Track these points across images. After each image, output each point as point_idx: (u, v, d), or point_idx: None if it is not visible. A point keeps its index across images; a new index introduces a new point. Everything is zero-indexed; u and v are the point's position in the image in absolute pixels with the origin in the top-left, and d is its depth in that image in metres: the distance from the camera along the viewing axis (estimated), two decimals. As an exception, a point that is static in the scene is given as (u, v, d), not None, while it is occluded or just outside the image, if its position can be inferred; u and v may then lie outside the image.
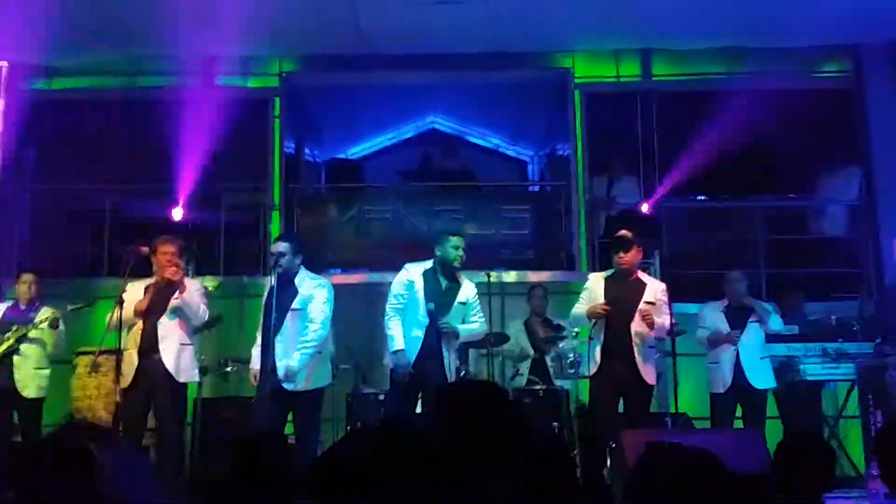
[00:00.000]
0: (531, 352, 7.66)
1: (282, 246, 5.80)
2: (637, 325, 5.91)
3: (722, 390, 6.64)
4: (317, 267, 8.68)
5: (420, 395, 6.03)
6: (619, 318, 5.90)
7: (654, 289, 6.03)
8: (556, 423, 6.72)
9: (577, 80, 9.27)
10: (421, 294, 5.94)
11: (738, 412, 6.68)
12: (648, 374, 5.90)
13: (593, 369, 5.94)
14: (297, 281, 5.81)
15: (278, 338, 5.64)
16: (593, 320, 5.94)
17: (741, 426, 6.62)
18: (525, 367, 7.63)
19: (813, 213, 9.14)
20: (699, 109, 9.02)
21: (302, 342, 5.68)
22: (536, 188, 11.19)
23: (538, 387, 7.12)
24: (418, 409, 6.25)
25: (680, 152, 8.98)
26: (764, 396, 6.66)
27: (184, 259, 5.96)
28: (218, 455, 6.61)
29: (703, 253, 8.78)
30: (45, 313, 6.58)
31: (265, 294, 5.88)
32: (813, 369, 6.85)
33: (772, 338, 6.80)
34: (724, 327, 6.75)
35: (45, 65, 8.98)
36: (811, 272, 8.71)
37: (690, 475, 2.14)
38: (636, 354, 5.84)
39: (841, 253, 8.87)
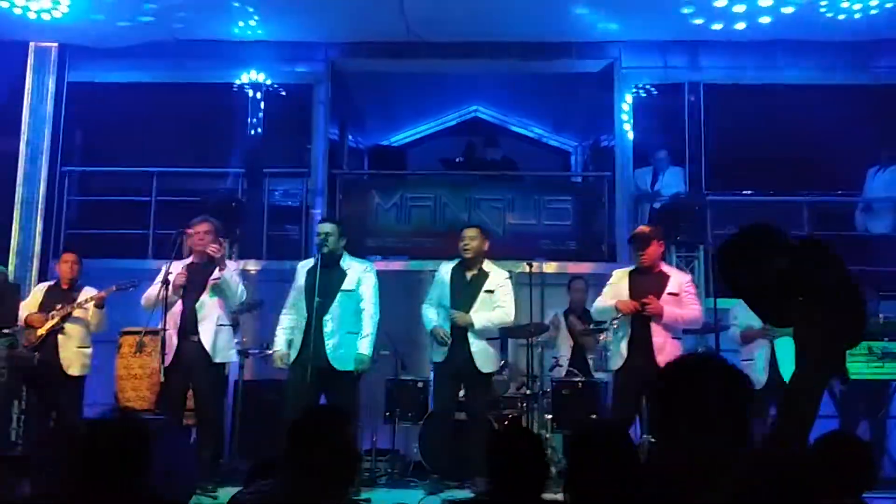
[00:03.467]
0: (569, 343, 7.64)
1: (328, 227, 5.91)
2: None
3: (758, 388, 6.56)
4: (358, 253, 8.79)
5: (462, 383, 6.27)
6: (642, 312, 5.85)
7: (679, 280, 5.99)
8: (593, 416, 6.70)
9: (623, 71, 9.18)
10: (447, 289, 6.17)
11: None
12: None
13: (619, 363, 5.90)
14: (342, 263, 5.88)
15: (326, 318, 5.71)
16: (619, 315, 5.90)
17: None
18: (565, 358, 7.61)
19: (861, 210, 8.97)
20: (746, 102, 8.91)
21: (366, 328, 5.89)
22: (579, 179, 11.12)
23: (577, 378, 7.10)
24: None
25: (726, 145, 8.89)
26: None
27: (217, 239, 6.00)
28: (259, 437, 6.68)
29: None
30: (87, 293, 6.68)
31: (303, 275, 5.91)
32: (858, 367, 6.73)
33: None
34: (756, 323, 6.68)
35: (94, 49, 9.08)
36: (858, 269, 8.55)
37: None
38: (655, 347, 5.77)
39: (888, 251, 8.70)
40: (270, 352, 6.01)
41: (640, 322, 5.83)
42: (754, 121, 8.83)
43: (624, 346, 5.87)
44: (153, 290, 5.92)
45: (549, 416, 6.97)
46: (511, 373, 7.49)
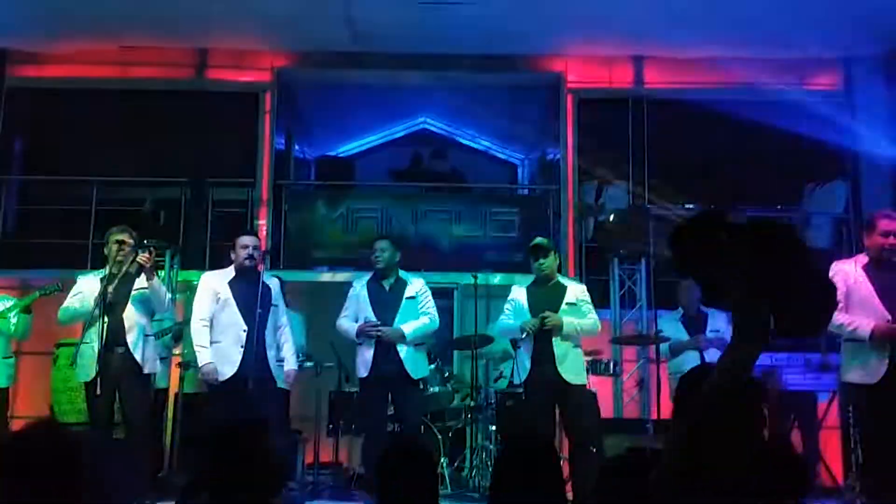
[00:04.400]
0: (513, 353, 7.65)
1: (254, 240, 5.95)
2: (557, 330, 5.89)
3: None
4: (304, 264, 8.76)
5: (389, 395, 6.17)
6: (542, 328, 5.84)
7: (575, 290, 6.04)
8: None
9: (569, 85, 9.28)
10: (367, 303, 6.11)
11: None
12: (575, 376, 5.85)
13: (523, 376, 5.89)
14: (265, 278, 5.87)
15: (267, 331, 5.79)
16: (524, 335, 5.92)
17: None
18: (508, 369, 7.62)
19: (800, 225, 9.16)
20: (690, 117, 9.05)
21: (293, 342, 6.05)
22: (526, 191, 11.20)
23: (521, 390, 7.11)
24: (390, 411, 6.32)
25: (669, 159, 9.02)
26: None
27: (150, 248, 5.87)
28: (198, 449, 6.57)
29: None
30: (5, 303, 6.54)
31: (226, 287, 5.85)
32: (794, 379, 6.86)
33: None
34: (683, 336, 6.83)
35: (35, 52, 8.92)
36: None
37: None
38: (556, 357, 5.79)
39: (826, 266, 8.87)
40: (200, 366, 5.84)
41: (541, 335, 5.84)
42: (696, 136, 8.99)
43: (527, 358, 5.88)
44: (71, 303, 5.74)
45: (493, 428, 6.99)
46: (455, 384, 7.48)
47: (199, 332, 5.80)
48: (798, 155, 8.86)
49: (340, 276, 8.40)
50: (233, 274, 5.87)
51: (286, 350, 5.91)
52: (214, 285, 5.85)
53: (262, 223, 8.88)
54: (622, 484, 2.41)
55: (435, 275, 7.54)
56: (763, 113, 8.70)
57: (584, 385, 6.00)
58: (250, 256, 5.77)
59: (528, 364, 5.87)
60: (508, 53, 9.14)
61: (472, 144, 11.50)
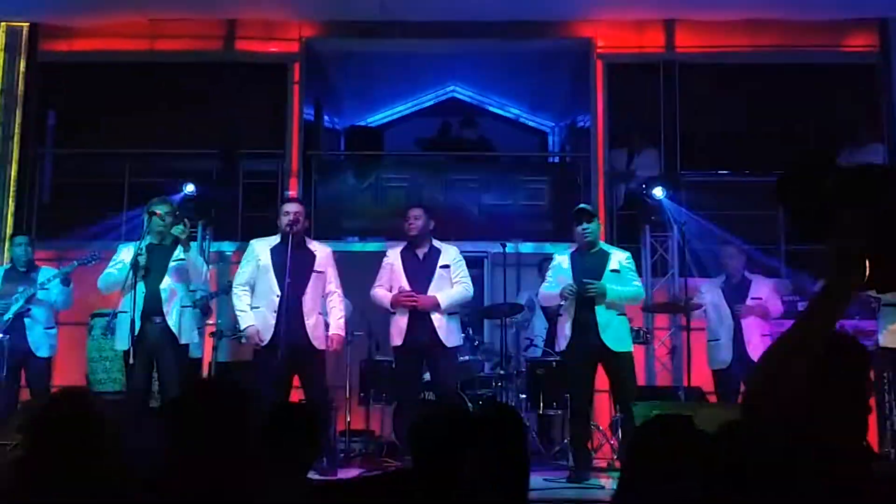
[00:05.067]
0: (545, 323, 7.65)
1: (297, 207, 5.93)
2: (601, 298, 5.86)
3: (724, 367, 6.64)
4: (334, 234, 8.79)
5: (424, 362, 6.19)
6: (585, 294, 5.84)
7: (618, 257, 6.01)
8: (567, 395, 6.73)
9: (599, 50, 9.16)
10: (401, 272, 6.08)
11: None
12: (617, 343, 5.84)
13: (563, 343, 5.91)
14: (308, 245, 5.96)
15: (305, 297, 5.78)
16: (563, 302, 5.91)
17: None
18: (540, 339, 7.62)
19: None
20: (722, 82, 8.92)
21: (340, 310, 5.98)
22: (555, 159, 11.13)
23: (551, 358, 7.12)
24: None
25: (702, 125, 8.90)
26: None
27: (185, 220, 5.95)
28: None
29: (725, 227, 8.69)
30: (47, 273, 6.65)
31: (266, 254, 5.89)
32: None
33: (788, 315, 6.77)
34: (721, 302, 6.76)
35: (66, 27, 8.98)
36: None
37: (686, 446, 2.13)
38: (599, 325, 5.78)
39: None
40: (242, 329, 5.90)
41: (583, 302, 5.83)
42: (730, 100, 8.86)
43: (567, 327, 5.88)
44: (109, 272, 5.87)
45: (524, 396, 7.01)
46: (485, 353, 7.50)
47: (238, 297, 5.90)
48: (834, 118, 8.70)
49: (370, 246, 8.43)
50: (277, 240, 5.91)
51: (332, 316, 5.91)
52: (258, 251, 5.92)
53: (292, 193, 8.90)
54: (652, 449, 2.38)
55: (464, 244, 7.53)
56: (798, 76, 8.56)
57: (630, 352, 5.97)
58: (291, 223, 5.79)
59: (568, 332, 5.87)
60: (537, 19, 9.03)
61: (502, 112, 11.42)
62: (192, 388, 2.76)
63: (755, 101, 8.72)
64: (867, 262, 1.66)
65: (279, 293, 5.71)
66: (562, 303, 5.91)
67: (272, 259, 5.82)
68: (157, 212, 5.87)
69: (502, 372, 6.94)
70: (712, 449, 2.03)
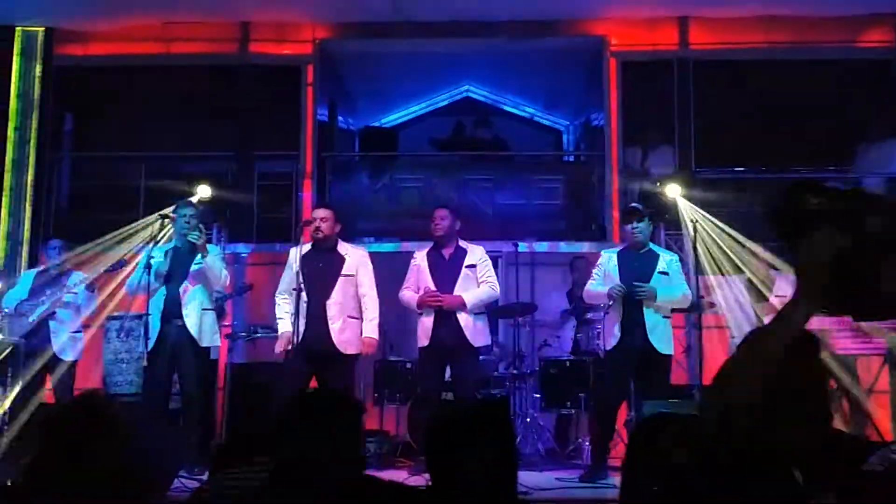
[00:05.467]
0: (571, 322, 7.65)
1: (323, 212, 5.88)
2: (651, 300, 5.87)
3: None
4: (348, 235, 8.82)
5: (448, 362, 6.21)
6: (635, 296, 5.85)
7: (668, 259, 6.02)
8: (582, 395, 6.73)
9: (612, 48, 9.13)
10: (426, 273, 6.10)
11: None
12: (663, 345, 5.85)
13: (612, 343, 5.92)
14: (339, 249, 5.89)
15: (329, 302, 5.77)
16: (611, 302, 5.91)
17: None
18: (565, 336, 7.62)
19: (851, 186, 8.94)
20: (736, 79, 8.87)
21: (371, 312, 5.89)
22: (570, 158, 11.10)
23: (564, 358, 7.12)
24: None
25: (716, 122, 8.85)
26: None
27: (200, 224, 6.01)
28: (248, 419, 6.71)
29: (740, 224, 8.65)
30: (77, 277, 6.71)
31: (299, 260, 5.90)
32: (843, 344, 6.74)
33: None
34: (743, 299, 6.73)
35: (81, 31, 9.05)
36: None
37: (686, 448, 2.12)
38: (647, 326, 5.80)
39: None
40: (277, 333, 5.94)
41: (631, 302, 5.83)
42: (744, 97, 8.80)
43: (616, 327, 5.88)
44: (134, 275, 5.95)
45: (538, 396, 7.01)
46: (500, 352, 7.50)
47: (278, 304, 5.97)
48: (850, 114, 8.63)
49: (386, 247, 8.45)
50: (309, 247, 5.95)
51: (364, 319, 5.88)
52: (293, 258, 5.97)
53: (307, 195, 8.95)
54: (648, 448, 2.37)
55: (479, 243, 7.55)
56: (813, 72, 8.50)
57: (671, 355, 6.00)
58: (317, 229, 5.83)
59: (617, 332, 5.88)
60: (550, 18, 9.01)
61: (516, 111, 11.41)
62: (304, 402, 2.75)
63: (769, 98, 8.66)
64: (829, 286, 1.68)
65: (307, 299, 5.76)
66: (610, 303, 5.89)
67: (302, 266, 5.86)
68: (183, 214, 5.95)
69: (515, 371, 6.94)
70: (711, 448, 2.04)
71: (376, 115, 11.17)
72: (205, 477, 5.35)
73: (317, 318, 5.74)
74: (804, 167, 8.73)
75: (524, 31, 9.10)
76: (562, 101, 11.01)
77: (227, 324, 7.58)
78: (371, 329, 5.87)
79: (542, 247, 8.54)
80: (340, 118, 10.38)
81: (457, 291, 6.03)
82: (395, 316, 7.63)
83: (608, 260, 6.08)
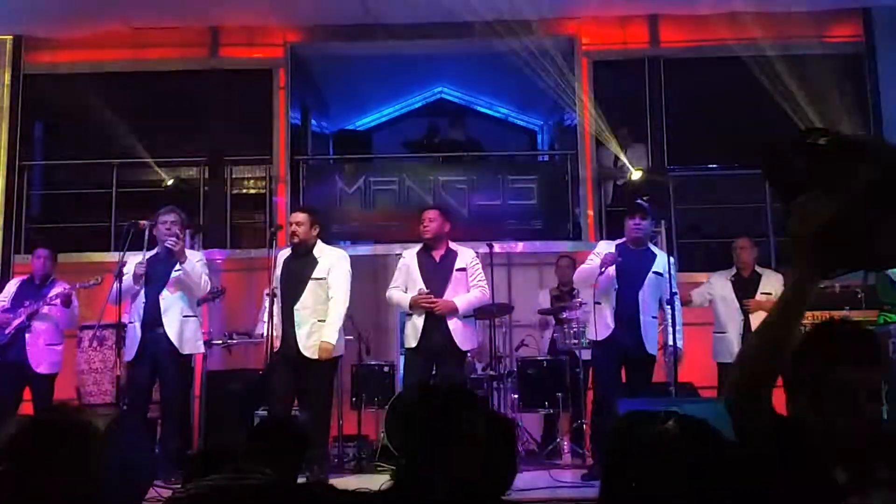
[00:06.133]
0: (552, 321, 7.65)
1: (299, 217, 5.85)
2: (645, 295, 5.90)
3: (730, 360, 6.61)
4: (323, 239, 8.78)
5: (435, 365, 6.14)
6: (628, 286, 5.89)
7: (663, 260, 6.03)
8: (560, 394, 6.74)
9: (584, 48, 9.16)
10: (417, 274, 6.06)
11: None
12: (651, 344, 5.89)
13: (605, 334, 5.91)
14: (315, 252, 5.86)
15: (297, 307, 5.72)
16: (604, 269, 5.88)
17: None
18: (546, 337, 7.61)
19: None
20: (708, 76, 8.93)
21: (331, 315, 5.77)
22: (544, 158, 11.13)
23: (542, 357, 7.13)
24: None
25: (689, 119, 8.90)
26: None
27: (183, 230, 5.98)
28: (224, 427, 6.67)
29: (712, 221, 8.72)
30: (58, 289, 6.61)
31: (280, 264, 5.89)
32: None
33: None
34: (730, 295, 6.73)
35: (51, 38, 8.97)
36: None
37: (671, 443, 2.12)
38: (641, 324, 5.83)
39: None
40: (235, 341, 5.94)
41: (625, 296, 5.86)
42: (715, 94, 8.86)
43: (610, 318, 5.89)
44: (124, 282, 5.89)
45: (515, 396, 7.01)
46: (478, 354, 7.49)
47: (265, 307, 5.97)
48: (819, 108, 8.70)
49: (360, 250, 8.43)
50: (289, 251, 5.94)
51: (326, 322, 5.76)
52: (277, 262, 5.96)
53: (281, 199, 8.91)
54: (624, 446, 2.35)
55: (464, 247, 7.56)
56: (782, 68, 8.55)
57: (655, 356, 6.02)
58: (293, 234, 5.82)
59: (611, 323, 5.88)
60: (521, 18, 9.03)
61: (490, 112, 11.43)
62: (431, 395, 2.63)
63: (740, 94, 8.72)
64: (823, 252, 1.65)
65: (282, 304, 5.78)
66: (602, 270, 5.85)
67: (282, 270, 5.87)
68: (164, 221, 5.90)
69: (493, 372, 6.94)
70: (686, 446, 2.04)
71: (350, 118, 11.16)
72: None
73: (288, 322, 5.72)
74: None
75: (496, 32, 9.10)
76: (535, 102, 11.01)
77: (203, 331, 7.53)
78: (328, 333, 5.73)
79: (518, 247, 8.55)
80: (313, 122, 10.35)
81: (447, 294, 6.00)
82: (371, 319, 7.62)
83: (606, 247, 6.07)
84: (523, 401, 6.91)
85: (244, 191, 9.17)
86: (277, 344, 5.73)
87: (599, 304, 6.00)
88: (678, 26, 9.07)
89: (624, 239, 6.12)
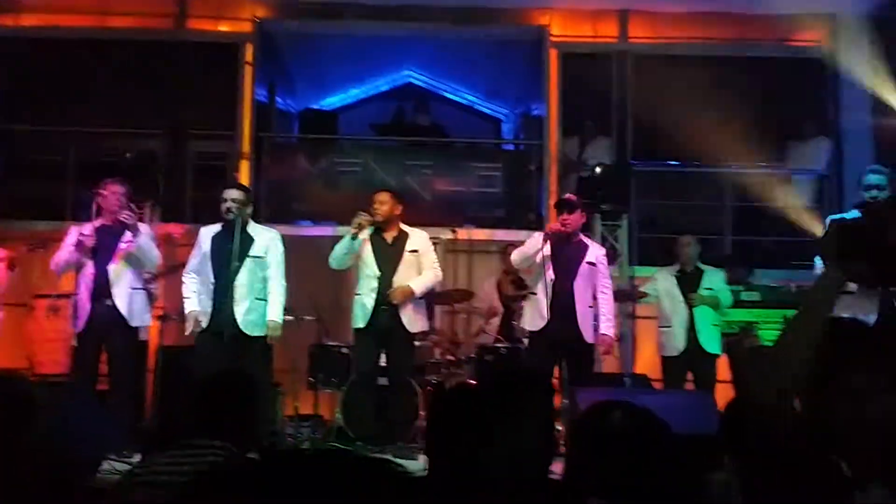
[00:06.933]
0: (500, 309, 7.69)
1: (234, 193, 5.80)
2: (579, 285, 5.96)
3: (675, 353, 6.73)
4: (285, 218, 8.74)
5: (384, 348, 6.15)
6: (562, 278, 5.94)
7: (596, 252, 6.14)
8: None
9: (553, 39, 9.20)
10: (370, 257, 6.03)
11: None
12: (588, 334, 5.96)
13: (539, 325, 5.96)
14: (249, 230, 5.82)
15: (236, 284, 5.67)
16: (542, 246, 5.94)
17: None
18: (494, 325, 7.65)
19: (780, 182, 9.17)
20: (674, 73, 9.00)
21: (275, 294, 5.80)
22: (509, 146, 11.17)
23: (500, 345, 7.17)
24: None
25: (653, 115, 8.98)
26: (714, 361, 6.77)
27: (130, 204, 5.88)
28: (178, 401, 6.61)
29: (671, 217, 8.82)
30: None
31: (208, 241, 5.83)
32: (772, 335, 6.94)
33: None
34: (675, 291, 6.85)
35: (14, 0, 8.77)
36: (775, 240, 8.79)
37: (631, 433, 2.17)
38: (577, 314, 5.89)
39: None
40: (186, 312, 5.86)
41: (558, 287, 5.90)
42: (680, 91, 8.92)
43: (545, 307, 5.94)
44: (62, 253, 5.80)
45: (473, 382, 7.04)
46: (436, 339, 7.51)
47: (185, 283, 5.88)
48: (783, 111, 8.85)
49: (322, 230, 8.39)
50: (219, 228, 5.86)
51: (270, 301, 5.79)
52: (202, 238, 5.88)
53: (242, 175, 8.82)
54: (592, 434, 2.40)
55: (417, 229, 7.57)
56: (747, 69, 8.68)
57: (594, 344, 6.07)
58: (228, 209, 5.75)
59: (546, 313, 5.91)
60: (492, 6, 9.05)
61: (457, 99, 11.42)
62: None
63: (705, 93, 8.80)
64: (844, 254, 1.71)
65: (213, 280, 5.72)
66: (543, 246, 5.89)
67: (211, 246, 5.79)
68: (113, 191, 5.79)
69: (451, 357, 6.97)
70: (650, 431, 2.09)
71: (316, 98, 11.06)
72: (133, 459, 5.30)
73: (221, 299, 5.69)
74: (737, 163, 8.94)
75: (467, 19, 9.12)
76: (502, 90, 11.05)
77: (159, 305, 7.45)
78: (275, 312, 5.79)
79: (480, 234, 8.58)
80: (279, 99, 10.26)
81: (398, 276, 6.00)
82: (329, 300, 7.59)
83: (539, 242, 6.10)
84: (481, 387, 6.93)
85: (206, 163, 9.02)
86: (204, 322, 5.70)
87: (535, 294, 6.07)
88: (647, 22, 9.15)
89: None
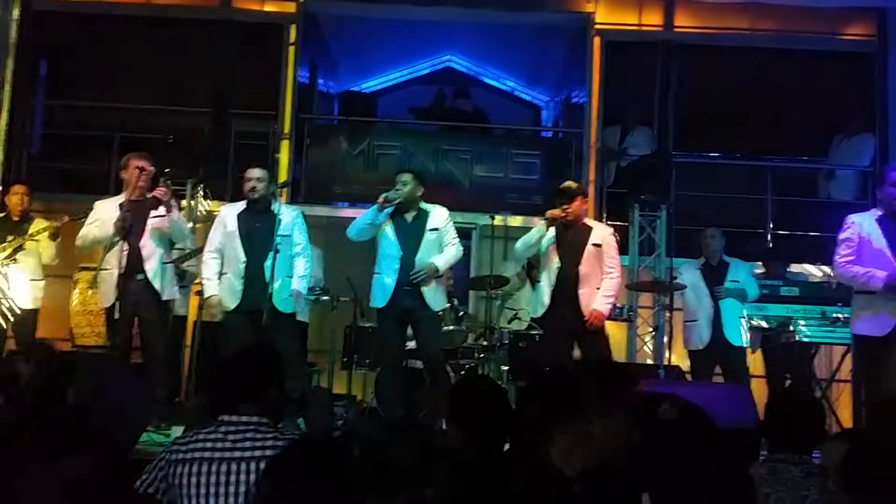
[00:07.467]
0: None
1: (258, 173, 5.83)
2: (584, 268, 5.92)
3: (701, 347, 6.69)
4: (324, 199, 8.81)
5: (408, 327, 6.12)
6: (567, 263, 5.92)
7: (602, 233, 6.08)
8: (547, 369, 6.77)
9: (597, 26, 9.13)
10: (393, 236, 5.99)
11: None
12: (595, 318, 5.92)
13: (540, 312, 5.98)
14: (274, 209, 5.85)
15: (268, 262, 5.66)
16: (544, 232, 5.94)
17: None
18: (525, 311, 7.65)
19: (824, 177, 9.05)
20: (719, 64, 8.92)
21: (301, 270, 5.84)
22: (548, 134, 11.13)
23: (534, 332, 7.16)
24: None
25: (695, 106, 8.89)
26: (743, 354, 6.72)
27: (162, 179, 5.91)
28: (215, 376, 6.69)
29: (711, 209, 8.74)
30: (38, 224, 6.59)
31: (233, 220, 5.84)
32: (809, 331, 6.88)
33: (769, 297, 6.88)
34: (700, 284, 6.79)
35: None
36: (818, 236, 8.67)
37: (681, 427, 2.18)
38: (580, 298, 5.86)
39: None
40: (206, 298, 5.89)
41: (563, 272, 5.90)
42: (725, 83, 8.85)
43: (547, 294, 5.93)
44: (90, 230, 5.84)
45: (506, 368, 7.07)
46: (470, 324, 7.53)
47: (206, 264, 5.87)
48: (827, 106, 8.72)
49: (359, 212, 8.40)
50: (244, 206, 5.90)
51: (295, 276, 5.81)
52: (225, 218, 5.88)
53: (284, 156, 8.89)
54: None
55: (454, 214, 7.55)
56: (794, 62, 8.56)
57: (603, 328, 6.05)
58: (253, 189, 5.77)
59: (546, 301, 5.93)
60: (536, -7, 9.01)
61: (497, 84, 11.39)
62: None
63: (750, 85, 8.73)
64: None
65: (245, 259, 5.73)
66: (538, 251, 5.94)
67: (238, 225, 5.81)
68: (137, 166, 5.83)
69: (485, 343, 6.99)
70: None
71: (357, 80, 11.10)
72: (171, 431, 5.39)
73: (258, 279, 5.69)
74: (779, 157, 8.84)
75: (509, 4, 9.08)
76: (543, 77, 11.00)
77: (198, 280, 7.53)
78: (297, 283, 5.82)
79: (517, 221, 8.57)
80: (321, 81, 10.30)
81: (420, 254, 5.96)
82: (365, 281, 7.62)
83: (545, 229, 6.09)
84: (513, 373, 6.96)
85: (247, 143, 9.07)
86: (233, 303, 5.72)
87: (539, 282, 6.08)
88: (693, 12, 9.06)
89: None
